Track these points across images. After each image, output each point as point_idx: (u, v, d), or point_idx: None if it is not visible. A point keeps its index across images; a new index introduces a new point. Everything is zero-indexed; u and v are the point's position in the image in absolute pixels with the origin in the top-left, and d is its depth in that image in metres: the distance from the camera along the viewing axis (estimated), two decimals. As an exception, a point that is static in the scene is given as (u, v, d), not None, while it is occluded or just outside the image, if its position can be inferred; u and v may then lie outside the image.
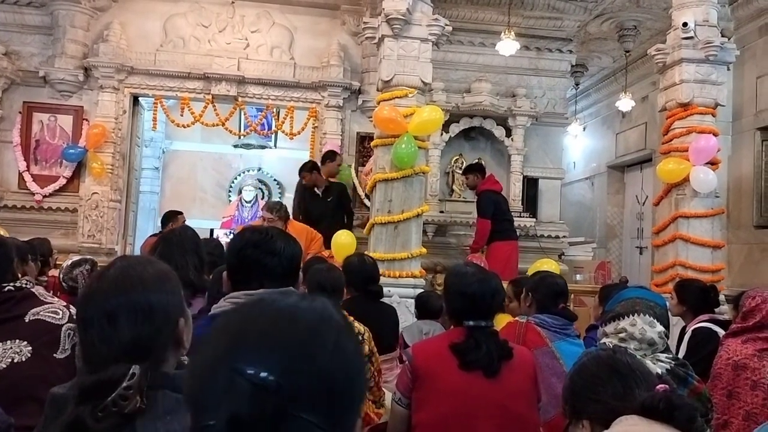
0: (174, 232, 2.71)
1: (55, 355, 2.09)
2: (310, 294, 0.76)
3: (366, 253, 4.37)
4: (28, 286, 2.19)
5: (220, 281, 2.71)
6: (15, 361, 1.98)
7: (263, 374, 0.63)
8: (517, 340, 2.52)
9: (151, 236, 6.34)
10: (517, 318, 2.86)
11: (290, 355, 0.66)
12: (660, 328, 2.12)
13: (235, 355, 0.65)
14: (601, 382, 1.42)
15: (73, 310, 2.26)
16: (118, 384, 1.05)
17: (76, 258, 3.52)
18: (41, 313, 2.13)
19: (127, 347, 1.13)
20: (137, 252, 6.66)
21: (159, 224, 6.95)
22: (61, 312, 2.19)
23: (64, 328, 2.15)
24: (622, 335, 2.10)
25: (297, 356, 0.66)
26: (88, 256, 3.69)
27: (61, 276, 3.31)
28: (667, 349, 2.18)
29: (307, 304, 0.72)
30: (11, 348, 1.95)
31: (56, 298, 2.33)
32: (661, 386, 1.32)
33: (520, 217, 7.68)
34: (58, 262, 4.93)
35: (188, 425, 1.09)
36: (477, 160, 7.85)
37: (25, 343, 2.04)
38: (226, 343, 0.68)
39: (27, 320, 2.07)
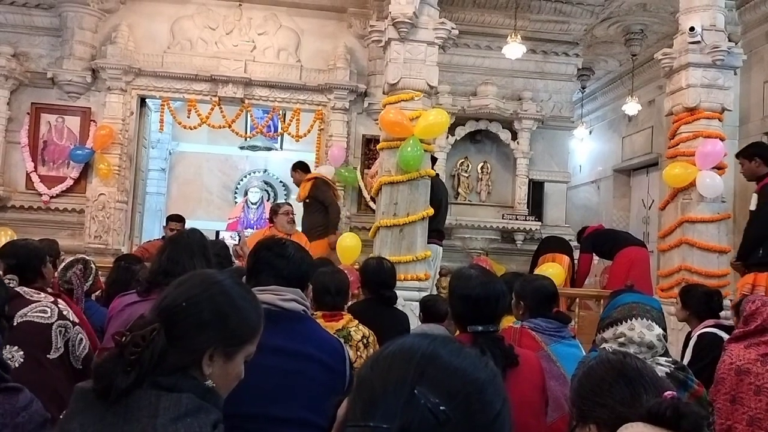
0: (182, 234, 2.71)
1: (48, 355, 2.06)
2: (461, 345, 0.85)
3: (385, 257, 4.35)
4: (11, 285, 2.14)
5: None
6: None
7: (442, 407, 0.73)
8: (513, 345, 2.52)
9: (153, 240, 6.40)
10: (511, 324, 2.84)
11: (467, 399, 0.75)
12: (658, 330, 2.12)
13: (421, 380, 0.75)
14: (608, 386, 1.39)
15: (61, 305, 2.24)
16: (144, 337, 1.15)
17: (68, 260, 3.53)
18: (29, 314, 2.09)
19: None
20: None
21: (164, 225, 7.00)
22: (49, 310, 2.15)
23: (54, 327, 2.12)
24: (621, 340, 2.11)
25: (473, 402, 0.76)
26: (80, 255, 3.70)
27: (58, 279, 3.32)
28: (666, 353, 2.17)
29: (485, 361, 0.82)
30: (2, 354, 1.88)
31: (43, 294, 2.27)
32: (668, 393, 1.28)
33: (525, 220, 7.68)
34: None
35: (206, 428, 1.12)
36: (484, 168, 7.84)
37: (16, 347, 2.00)
38: (417, 365, 0.77)
39: (15, 323, 2.01)
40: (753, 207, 5.09)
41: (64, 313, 2.21)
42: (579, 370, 1.52)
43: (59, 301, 2.27)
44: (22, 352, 2.01)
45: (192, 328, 1.22)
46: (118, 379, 1.11)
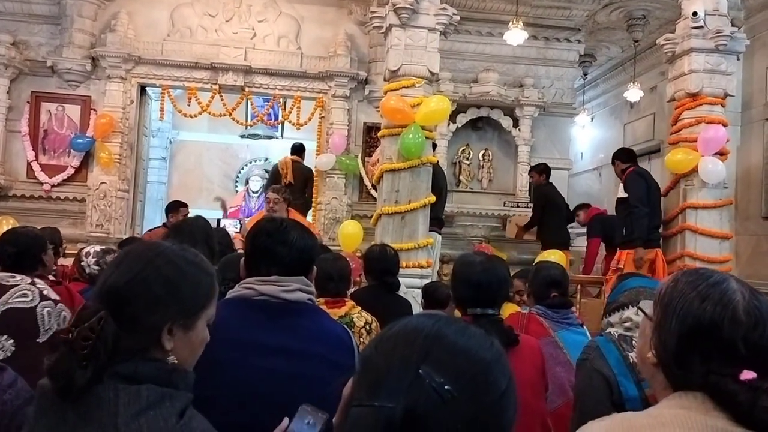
0: (186, 222, 2.71)
1: (38, 340, 2.01)
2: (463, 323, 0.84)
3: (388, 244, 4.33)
4: None
5: (224, 271, 2.73)
6: (1, 358, 1.89)
7: (447, 387, 0.73)
8: (521, 331, 2.53)
9: (154, 228, 6.36)
10: (519, 309, 2.86)
11: (473, 378, 0.76)
12: None
13: (426, 359, 0.75)
14: (694, 341, 1.03)
15: (40, 285, 2.17)
16: (92, 329, 1.06)
17: (99, 246, 3.52)
18: (10, 300, 2.05)
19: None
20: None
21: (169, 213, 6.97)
22: (30, 293, 2.10)
23: (38, 309, 2.07)
24: (627, 324, 2.10)
25: (479, 381, 0.76)
26: (111, 246, 3.70)
27: (90, 261, 3.28)
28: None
29: (490, 340, 0.82)
30: None
31: (19, 277, 2.19)
32: (747, 374, 0.97)
33: (527, 207, 7.67)
34: (67, 252, 4.96)
35: (171, 419, 1.06)
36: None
37: (5, 336, 1.95)
38: (422, 345, 0.77)
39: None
40: (620, 195, 5.52)
41: (45, 292, 2.15)
42: (669, 283, 1.16)
43: (36, 281, 2.21)
44: (12, 341, 1.96)
45: (144, 308, 1.12)
46: (76, 376, 1.04)
